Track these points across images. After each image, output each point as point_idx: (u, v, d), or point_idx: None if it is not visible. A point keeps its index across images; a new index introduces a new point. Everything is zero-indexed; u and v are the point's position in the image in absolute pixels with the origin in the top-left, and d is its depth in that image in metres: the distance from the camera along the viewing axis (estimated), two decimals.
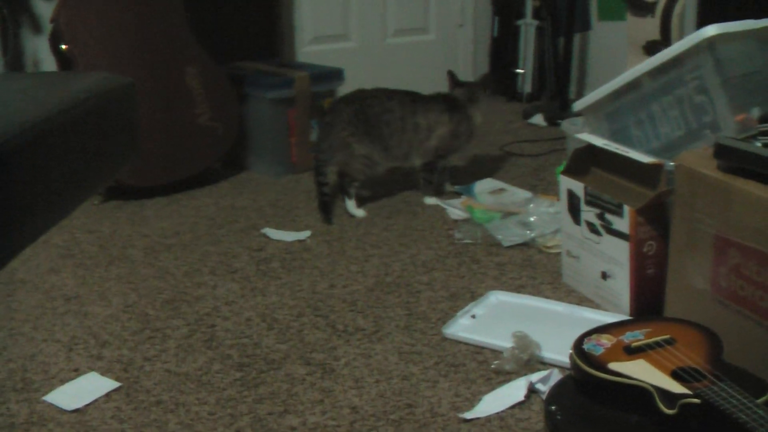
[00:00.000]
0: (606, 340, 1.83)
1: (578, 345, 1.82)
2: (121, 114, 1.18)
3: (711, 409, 1.56)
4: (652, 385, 1.64)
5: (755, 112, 2.30)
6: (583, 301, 2.47)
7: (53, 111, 1.00)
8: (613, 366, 1.73)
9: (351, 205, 3.33)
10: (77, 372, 2.18)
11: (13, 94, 1.13)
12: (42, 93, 1.11)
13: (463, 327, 2.32)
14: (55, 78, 1.25)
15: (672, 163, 2.16)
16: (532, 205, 3.05)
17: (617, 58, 4.31)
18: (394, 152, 3.36)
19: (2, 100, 1.10)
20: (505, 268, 2.71)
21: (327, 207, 3.25)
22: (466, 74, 5.42)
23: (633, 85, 2.52)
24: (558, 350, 2.10)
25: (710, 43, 2.30)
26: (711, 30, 2.30)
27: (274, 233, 3.08)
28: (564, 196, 2.50)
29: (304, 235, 3.07)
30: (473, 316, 2.37)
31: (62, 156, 1.01)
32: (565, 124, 3.17)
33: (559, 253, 2.70)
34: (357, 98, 3.37)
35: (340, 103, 3.40)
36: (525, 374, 2.05)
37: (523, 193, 3.33)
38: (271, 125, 3.85)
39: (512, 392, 1.98)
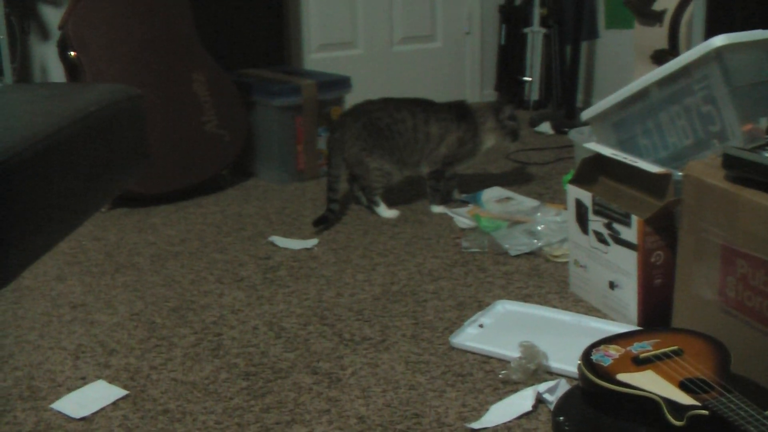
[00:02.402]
0: (614, 351, 1.83)
1: (586, 355, 1.82)
2: (130, 126, 1.18)
3: (719, 420, 1.55)
4: (661, 397, 1.64)
5: (763, 122, 2.30)
6: (590, 310, 2.47)
7: (63, 123, 1.00)
8: (622, 377, 1.73)
9: (381, 210, 3.37)
10: (84, 380, 2.18)
11: (22, 106, 1.13)
12: (51, 105, 1.11)
13: (470, 336, 2.32)
14: (64, 89, 1.25)
15: (680, 173, 2.16)
16: (539, 214, 3.04)
17: (624, 66, 4.31)
18: (407, 161, 3.37)
19: (12, 113, 1.10)
20: (512, 278, 2.71)
21: (326, 220, 3.25)
22: (473, 82, 5.43)
23: (641, 95, 2.52)
24: (565, 360, 2.10)
25: (718, 53, 2.30)
26: (719, 40, 2.29)
27: (281, 241, 3.08)
28: (572, 206, 2.50)
29: (311, 243, 3.07)
30: (480, 326, 2.37)
31: (72, 168, 1.01)
32: (573, 133, 3.17)
33: (566, 263, 2.69)
34: (364, 111, 3.38)
35: (347, 118, 3.40)
36: (532, 384, 2.04)
37: (530, 202, 3.33)
38: (278, 133, 3.86)
39: (519, 402, 1.98)
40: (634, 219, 2.26)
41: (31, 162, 0.92)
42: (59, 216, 1.01)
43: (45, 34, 4.13)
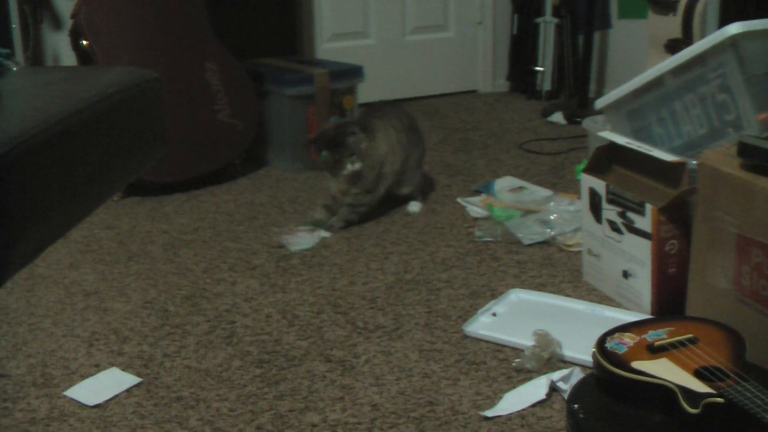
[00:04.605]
0: (629, 339, 1.82)
1: (601, 343, 1.81)
2: (148, 109, 1.18)
3: (735, 408, 1.55)
4: (676, 384, 1.63)
5: None
6: (603, 299, 2.46)
7: (81, 105, 1.00)
8: (636, 365, 1.72)
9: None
10: (98, 367, 2.19)
11: (39, 88, 1.13)
12: (69, 87, 1.11)
13: (484, 325, 2.31)
14: (82, 72, 1.25)
15: (694, 162, 2.15)
16: (552, 204, 3.04)
17: (637, 56, 4.29)
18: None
19: (30, 94, 1.10)
20: (526, 267, 2.70)
21: None
22: (485, 72, 5.42)
23: (655, 83, 2.51)
24: (579, 349, 2.10)
25: (733, 41, 2.28)
26: (734, 28, 2.28)
27: (293, 245, 3.01)
28: (585, 195, 2.49)
29: (322, 235, 3.03)
30: (494, 314, 2.37)
31: (89, 151, 1.01)
32: (587, 122, 3.16)
33: (579, 252, 2.69)
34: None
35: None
36: (546, 373, 2.04)
37: (543, 191, 3.32)
38: (290, 122, 3.85)
39: (533, 390, 1.98)
40: (648, 208, 2.25)
41: (49, 143, 0.92)
42: (77, 199, 1.00)
43: (57, 23, 4.13)
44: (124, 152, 1.10)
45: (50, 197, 0.94)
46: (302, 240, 2.96)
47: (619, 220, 2.37)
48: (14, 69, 1.17)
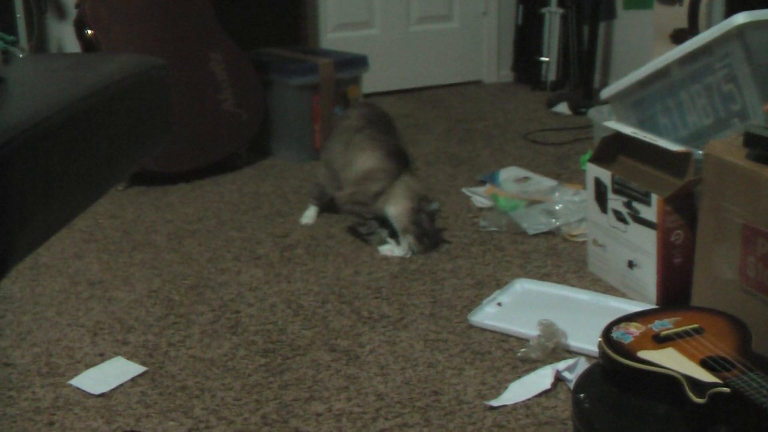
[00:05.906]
0: (635, 329, 1.82)
1: (607, 333, 1.81)
2: (154, 96, 1.17)
3: (740, 398, 1.55)
4: (682, 374, 1.63)
5: None
6: (608, 290, 2.46)
7: (86, 92, 0.99)
8: (643, 354, 1.72)
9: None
10: (102, 357, 2.18)
11: (45, 75, 1.13)
12: (75, 74, 1.11)
13: (489, 315, 2.31)
14: (88, 59, 1.24)
15: (700, 152, 2.15)
16: (557, 194, 3.03)
17: (642, 47, 4.28)
18: None
19: (35, 81, 1.10)
20: (530, 257, 2.70)
21: None
22: (489, 62, 5.41)
23: (661, 74, 2.50)
24: (584, 339, 2.09)
25: (740, 31, 2.28)
26: (741, 18, 2.28)
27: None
28: (591, 185, 2.49)
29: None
30: (499, 304, 2.37)
31: (95, 137, 1.01)
32: (593, 113, 3.16)
33: (584, 242, 2.68)
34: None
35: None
36: (551, 362, 2.04)
37: (548, 182, 3.31)
38: (295, 112, 3.85)
39: (538, 380, 1.98)
40: (654, 198, 2.25)
41: (55, 130, 0.92)
42: (82, 186, 1.00)
43: (61, 13, 4.13)
44: (130, 139, 1.09)
45: (55, 185, 0.94)
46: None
47: (624, 210, 2.37)
48: (20, 56, 1.17)
